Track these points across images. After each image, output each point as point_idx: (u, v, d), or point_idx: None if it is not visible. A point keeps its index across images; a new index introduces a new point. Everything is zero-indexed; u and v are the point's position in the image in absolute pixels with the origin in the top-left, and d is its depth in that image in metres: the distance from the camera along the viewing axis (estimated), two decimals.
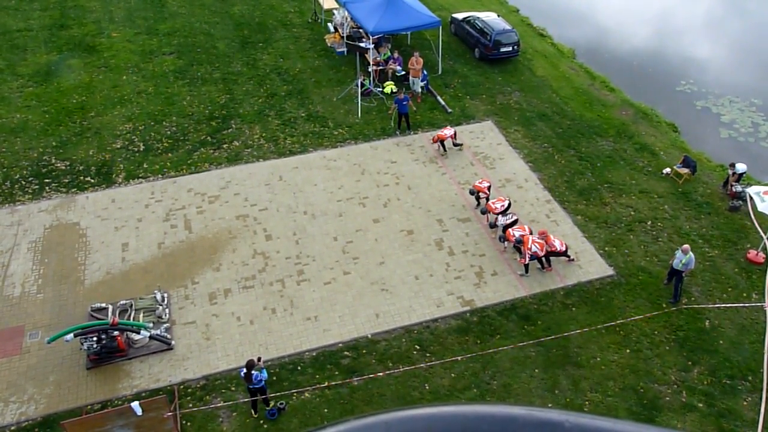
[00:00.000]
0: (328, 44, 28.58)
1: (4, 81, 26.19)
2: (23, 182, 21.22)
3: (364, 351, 16.02)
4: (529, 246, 17.48)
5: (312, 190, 20.84)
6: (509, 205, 19.18)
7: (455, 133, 22.27)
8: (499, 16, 28.92)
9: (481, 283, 17.77)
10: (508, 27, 27.54)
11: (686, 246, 16.78)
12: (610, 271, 18.22)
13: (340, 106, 24.71)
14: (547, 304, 17.31)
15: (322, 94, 25.43)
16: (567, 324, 16.77)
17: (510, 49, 27.31)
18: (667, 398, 15.17)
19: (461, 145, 22.52)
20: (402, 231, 19.33)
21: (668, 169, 21.76)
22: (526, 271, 17.86)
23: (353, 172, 21.54)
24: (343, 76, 26.44)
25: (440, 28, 26.40)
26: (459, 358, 15.80)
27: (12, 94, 25.42)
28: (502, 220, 18.76)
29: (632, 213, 20.16)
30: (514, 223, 18.71)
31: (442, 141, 22.02)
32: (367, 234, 19.25)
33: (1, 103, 24.90)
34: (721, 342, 16.46)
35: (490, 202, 19.28)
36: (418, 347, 16.13)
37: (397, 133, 23.24)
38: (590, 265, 18.38)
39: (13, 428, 14.45)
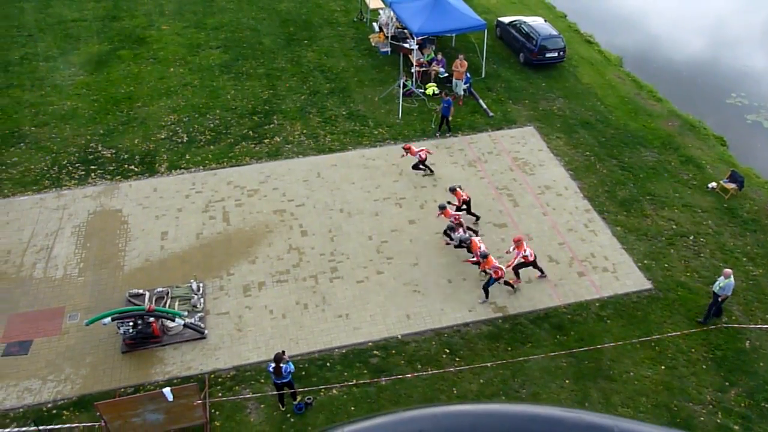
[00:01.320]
0: (372, 44, 28.70)
1: (56, 69, 27.00)
2: (70, 168, 21.84)
3: (393, 351, 16.06)
4: (493, 265, 16.67)
5: (349, 188, 20.96)
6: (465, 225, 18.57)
7: (425, 157, 20.80)
8: (545, 21, 28.65)
9: (515, 290, 17.63)
10: (554, 32, 27.26)
11: (728, 270, 16.32)
12: (647, 285, 17.89)
13: (382, 105, 24.80)
14: (581, 314, 17.09)
15: (364, 93, 25.55)
16: (601, 336, 16.53)
17: (555, 54, 27.04)
18: (702, 418, 14.83)
19: (425, 170, 21.09)
20: (437, 233, 19.30)
21: (714, 184, 21.26)
22: (486, 297, 17.16)
23: (391, 172, 21.58)
24: (386, 76, 26.53)
25: (485, 31, 26.28)
26: (489, 364, 15.71)
27: (64, 82, 26.19)
28: (460, 234, 18.12)
29: (674, 227, 19.76)
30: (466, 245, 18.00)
31: (418, 160, 20.81)
32: (402, 234, 19.27)
33: (53, 91, 25.68)
34: (761, 364, 16.02)
35: (449, 208, 18.65)
36: (447, 351, 16.09)
37: (437, 135, 23.21)
38: (627, 277, 18.07)
39: (49, 405, 14.90)
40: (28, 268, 18.30)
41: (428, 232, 19.35)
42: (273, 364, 13.94)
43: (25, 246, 18.96)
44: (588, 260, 18.55)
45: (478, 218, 19.52)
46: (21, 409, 14.84)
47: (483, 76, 26.56)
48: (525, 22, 28.11)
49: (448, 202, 19.11)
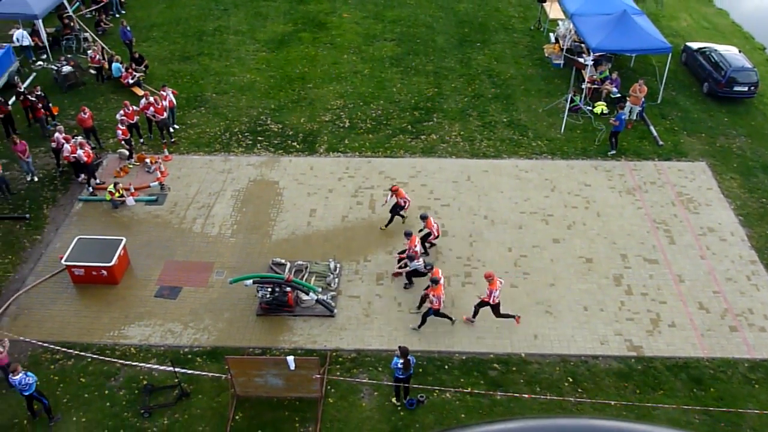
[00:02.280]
0: (546, 54, 28.07)
1: (243, 43, 29.04)
2: (240, 136, 23.45)
3: (514, 368, 15.70)
4: (436, 295, 15.68)
5: (497, 196, 20.71)
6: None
7: (407, 206, 18.98)
8: (740, 51, 26.47)
9: (654, 332, 16.56)
10: (748, 65, 25.12)
11: None
12: None
13: (545, 118, 24.21)
14: (726, 372, 15.69)
15: (528, 102, 25.08)
16: (744, 400, 15.09)
17: (745, 89, 24.91)
18: None
19: (404, 217, 19.39)
20: (581, 257, 18.57)
21: None
22: (421, 322, 16.29)
23: (543, 187, 21.04)
24: (554, 89, 25.85)
25: (669, 55, 24.77)
26: (612, 402, 14.90)
27: (247, 56, 28.12)
28: (419, 263, 16.96)
29: None
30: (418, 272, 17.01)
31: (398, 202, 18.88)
32: (544, 252, 18.75)
33: (237, 63, 27.66)
34: None
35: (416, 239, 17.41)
36: (570, 379, 15.46)
37: (612, 152, 22.27)
38: None
39: (186, 350, 16.17)
40: (189, 221, 19.91)
41: (572, 254, 18.66)
42: (401, 360, 14.05)
43: (189, 201, 20.65)
44: (744, 315, 16.99)
45: (426, 251, 18.32)
46: (162, 348, 16.23)
47: (659, 101, 25.08)
48: (716, 50, 26.14)
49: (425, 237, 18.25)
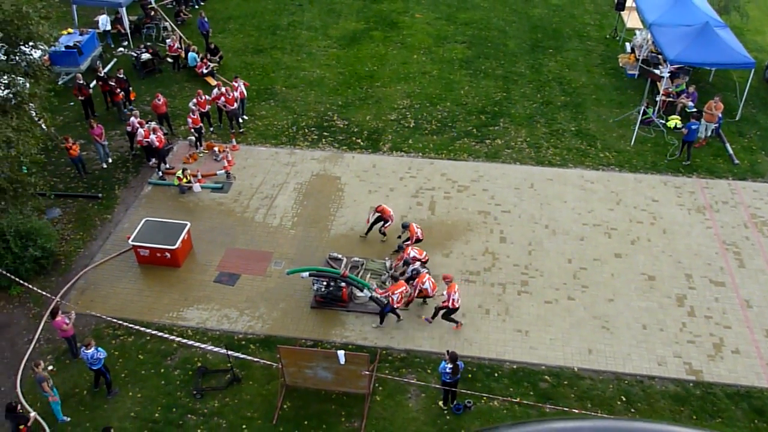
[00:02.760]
0: (620, 64, 27.42)
1: (315, 39, 29.48)
2: (306, 130, 23.82)
3: (565, 382, 15.42)
4: (395, 291, 15.91)
5: (560, 206, 20.37)
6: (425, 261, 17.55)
7: (388, 226, 18.67)
8: None
9: (716, 357, 15.97)
10: None
11: None
12: None
13: (614, 129, 23.66)
14: None
15: (598, 112, 24.56)
16: None
17: None
18: None
19: (384, 234, 18.95)
20: (643, 274, 18.07)
21: None
22: (381, 321, 16.45)
23: (608, 200, 20.57)
24: (627, 100, 25.22)
25: (752, 70, 23.81)
26: None
27: (318, 52, 28.54)
28: (415, 266, 16.96)
29: None
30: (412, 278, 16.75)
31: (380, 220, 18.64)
32: (605, 266, 18.33)
33: (307, 58, 28.11)
34: None
35: (409, 247, 17.43)
36: (623, 398, 15.07)
37: (686, 162, 21.70)
38: None
39: (240, 336, 16.56)
40: (251, 211, 20.37)
41: (634, 270, 18.18)
42: (450, 365, 14.02)
43: (253, 191, 21.12)
44: None
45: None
46: (217, 332, 16.67)
47: (737, 118, 24.13)
48: None
49: (405, 241, 18.19)
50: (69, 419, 14.75)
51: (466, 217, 19.97)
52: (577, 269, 18.26)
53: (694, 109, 23.82)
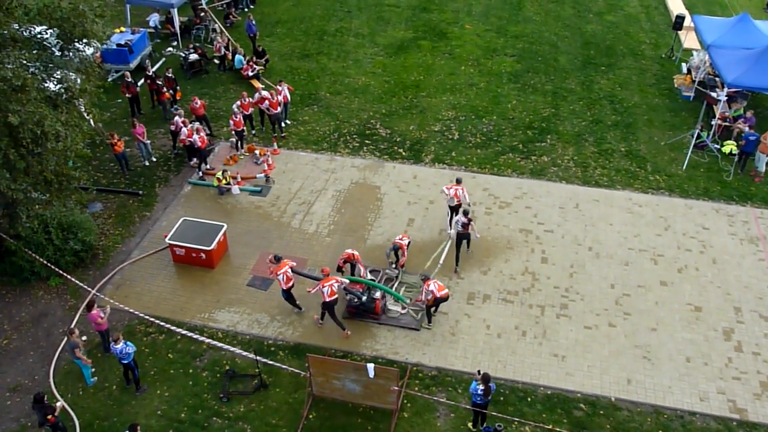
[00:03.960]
0: (676, 85, 26.88)
1: (362, 46, 29.66)
2: (348, 137, 23.93)
3: (601, 412, 15.06)
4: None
5: (605, 228, 20.00)
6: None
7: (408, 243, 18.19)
8: None
9: (763, 396, 15.40)
10: None
11: None
12: None
13: (666, 151, 23.16)
14: None
15: (650, 134, 24.09)
16: None
17: None
18: None
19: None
20: (689, 305, 17.59)
21: None
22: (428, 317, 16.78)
23: (656, 225, 20.12)
24: (680, 122, 24.68)
25: None
26: None
27: (365, 59, 28.69)
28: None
29: None
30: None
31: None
32: (649, 294, 17.90)
33: (354, 65, 28.28)
34: None
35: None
36: None
37: (739, 172, 21.29)
38: None
39: (270, 342, 16.64)
40: (288, 216, 20.51)
41: (679, 299, 17.71)
42: (482, 386, 13.82)
43: (291, 196, 21.27)
44: None
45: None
46: (247, 336, 16.79)
47: None
48: None
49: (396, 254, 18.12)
50: (96, 380, 15.69)
51: (506, 234, 19.76)
52: (620, 295, 17.87)
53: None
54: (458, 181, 19.17)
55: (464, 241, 18.27)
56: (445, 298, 16.48)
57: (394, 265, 18.18)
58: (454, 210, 19.24)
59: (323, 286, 16.10)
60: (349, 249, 17.87)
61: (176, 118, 22.50)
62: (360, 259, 17.72)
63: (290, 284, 16.84)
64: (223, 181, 21.25)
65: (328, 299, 16.16)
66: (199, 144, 21.76)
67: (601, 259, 18.96)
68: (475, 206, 20.70)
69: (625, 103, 25.76)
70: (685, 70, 27.45)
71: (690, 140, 23.01)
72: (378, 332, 16.88)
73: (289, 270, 16.76)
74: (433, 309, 16.94)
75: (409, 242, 18.28)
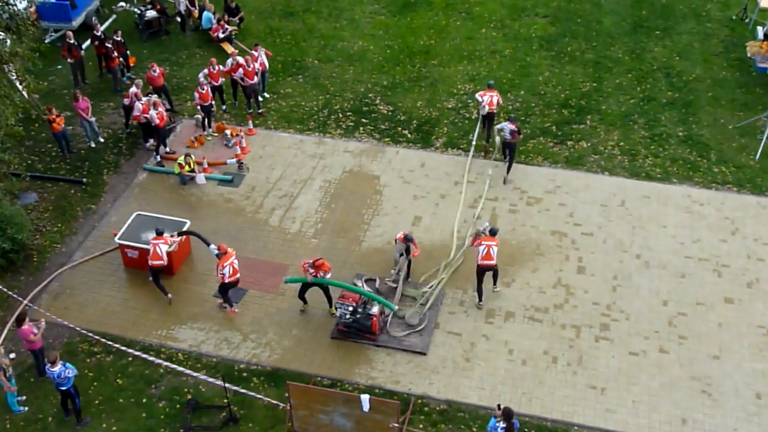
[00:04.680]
0: (749, 54, 26.94)
1: (359, 3, 29.73)
2: (340, 115, 24.06)
3: None
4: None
5: (657, 231, 20.11)
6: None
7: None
8: None
9: None
10: None
11: None
12: None
13: (735, 137, 23.26)
14: None
15: (715, 114, 24.19)
16: None
17: None
18: None
19: None
20: (760, 327, 17.69)
21: None
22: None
23: (720, 228, 20.24)
24: (754, 101, 24.76)
25: None
26: None
27: (362, 19, 28.80)
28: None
29: None
30: None
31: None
32: (710, 313, 18.02)
33: (348, 26, 28.37)
34: None
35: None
36: None
37: None
38: None
39: (242, 366, 16.77)
40: (266, 211, 20.64)
41: (748, 321, 17.81)
42: (503, 424, 13.92)
43: (270, 187, 21.41)
44: None
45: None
46: (214, 359, 16.92)
47: None
48: None
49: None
50: (27, 409, 15.79)
51: (535, 237, 19.87)
52: (675, 314, 17.98)
53: None
54: (490, 86, 21.72)
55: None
56: (488, 268, 17.55)
57: (396, 274, 18.30)
58: (487, 119, 21.76)
59: (223, 267, 17.08)
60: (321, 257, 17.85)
61: (132, 88, 22.51)
62: (329, 268, 17.52)
63: (235, 278, 17.36)
64: (186, 168, 21.38)
65: (228, 280, 17.27)
66: (157, 121, 21.87)
67: (652, 270, 19.07)
68: (497, 202, 20.84)
69: (684, 77, 25.85)
70: (761, 35, 27.49)
71: (766, 123, 23.13)
72: (375, 356, 17.00)
73: (236, 262, 17.41)
74: (479, 282, 17.71)
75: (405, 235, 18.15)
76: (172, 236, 18.18)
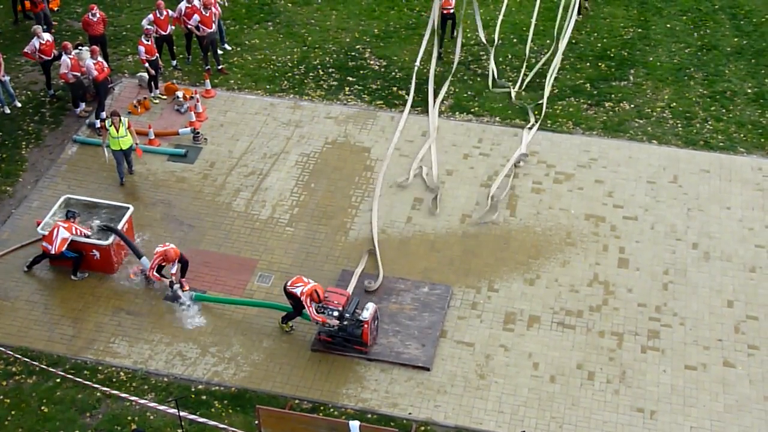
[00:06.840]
0: None
1: None
2: (321, 72, 23.98)
3: None
4: None
5: (719, 214, 20.12)
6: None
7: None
8: None
9: None
10: None
11: None
12: None
13: None
14: None
15: None
16: None
17: None
18: None
19: None
20: None
21: None
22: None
23: None
24: None
25: None
26: None
27: None
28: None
29: None
30: None
31: None
32: None
33: None
34: None
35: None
36: None
37: None
38: None
39: (200, 387, 16.70)
40: (228, 193, 20.57)
41: None
42: None
43: (234, 163, 21.33)
44: None
45: None
46: (165, 379, 16.85)
47: None
48: None
49: None
50: None
51: (565, 222, 19.87)
52: (743, 318, 18.01)
53: None
54: None
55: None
56: None
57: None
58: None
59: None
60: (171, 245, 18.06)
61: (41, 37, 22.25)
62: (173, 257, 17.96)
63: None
64: (113, 133, 21.03)
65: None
66: (95, 73, 21.55)
67: (713, 262, 19.10)
68: (517, 179, 20.79)
69: (754, 18, 25.82)
70: None
71: None
72: (366, 372, 16.98)
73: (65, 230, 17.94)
74: None
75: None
76: (86, 227, 18.27)
